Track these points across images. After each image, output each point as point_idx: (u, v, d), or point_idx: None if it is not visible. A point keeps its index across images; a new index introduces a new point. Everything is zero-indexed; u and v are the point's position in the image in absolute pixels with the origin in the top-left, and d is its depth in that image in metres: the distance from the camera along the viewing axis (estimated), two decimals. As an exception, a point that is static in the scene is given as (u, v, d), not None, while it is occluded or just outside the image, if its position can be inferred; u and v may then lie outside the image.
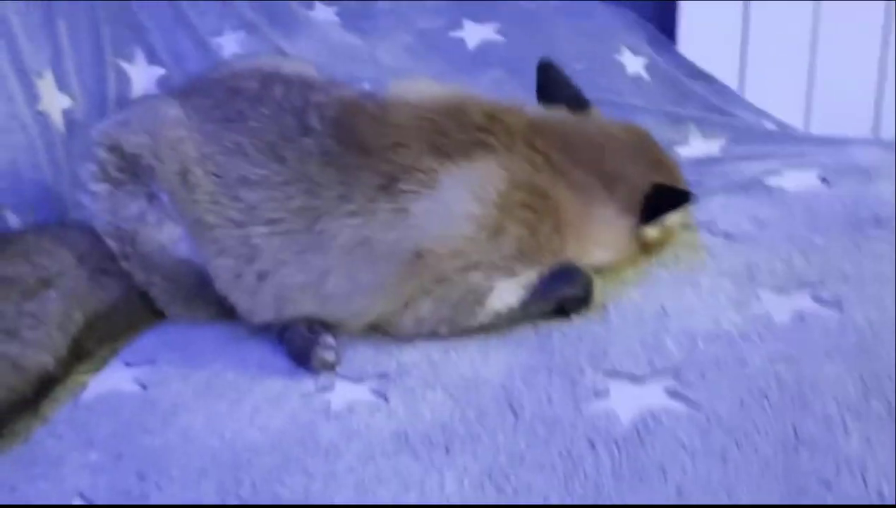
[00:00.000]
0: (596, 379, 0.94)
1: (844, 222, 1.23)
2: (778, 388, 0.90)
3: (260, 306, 1.04)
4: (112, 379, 1.02)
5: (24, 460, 0.90)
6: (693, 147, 1.58)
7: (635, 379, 0.94)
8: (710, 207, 1.30)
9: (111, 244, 1.10)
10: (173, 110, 1.11)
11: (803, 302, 1.05)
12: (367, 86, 1.42)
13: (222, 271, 1.05)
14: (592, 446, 0.85)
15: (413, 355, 1.01)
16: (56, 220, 1.33)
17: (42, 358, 0.97)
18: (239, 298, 1.05)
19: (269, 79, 1.13)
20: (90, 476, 0.86)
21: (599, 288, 1.08)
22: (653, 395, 0.91)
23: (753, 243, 1.20)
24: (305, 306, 1.02)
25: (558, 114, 1.16)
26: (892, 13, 1.71)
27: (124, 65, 1.61)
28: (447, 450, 0.86)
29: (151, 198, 1.08)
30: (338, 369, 0.99)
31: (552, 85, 1.20)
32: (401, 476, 0.83)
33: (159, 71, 1.63)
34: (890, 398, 0.88)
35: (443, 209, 1.00)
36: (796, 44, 1.76)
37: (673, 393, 0.91)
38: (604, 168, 1.09)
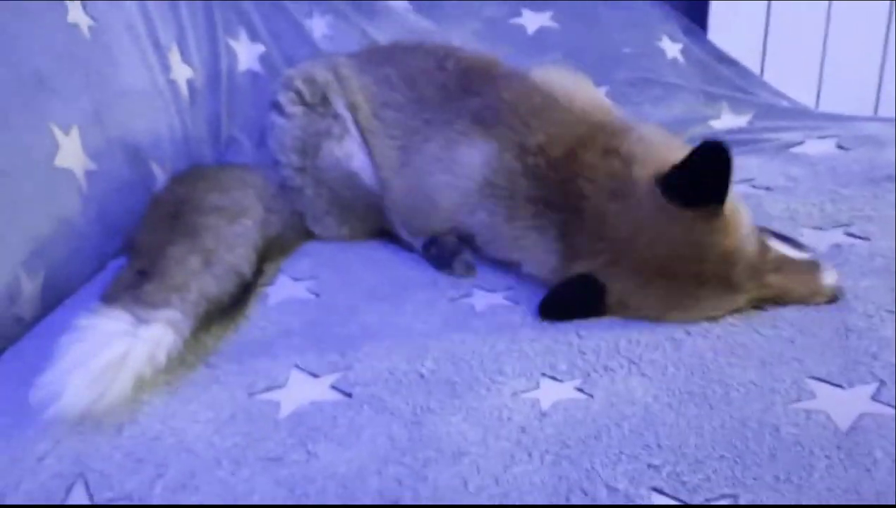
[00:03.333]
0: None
1: (863, 178, 1.49)
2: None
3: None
4: (287, 290, 1.25)
5: (241, 343, 1.13)
6: (725, 120, 1.83)
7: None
8: (749, 167, 1.56)
9: (294, 159, 1.38)
10: (344, 59, 1.46)
11: (838, 236, 1.31)
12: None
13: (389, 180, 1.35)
14: (688, 332, 1.10)
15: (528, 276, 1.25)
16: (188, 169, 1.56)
17: (245, 268, 1.20)
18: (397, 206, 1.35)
19: (428, 39, 1.47)
20: (298, 354, 1.09)
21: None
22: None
23: (790, 194, 1.45)
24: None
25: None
26: (893, 12, 1.96)
27: (232, 42, 1.83)
28: (578, 334, 1.10)
29: (336, 117, 1.38)
30: (474, 279, 1.24)
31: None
32: (551, 353, 1.07)
33: (260, 48, 1.85)
34: (915, 300, 1.13)
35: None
36: (810, 35, 1.99)
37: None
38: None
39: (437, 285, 1.24)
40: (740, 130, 1.78)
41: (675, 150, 1.12)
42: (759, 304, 1.13)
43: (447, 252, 1.27)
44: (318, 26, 1.91)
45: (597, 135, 1.19)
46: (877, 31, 1.95)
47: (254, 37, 1.86)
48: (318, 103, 1.40)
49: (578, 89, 1.33)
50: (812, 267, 1.16)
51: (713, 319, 1.11)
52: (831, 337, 1.08)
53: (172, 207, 1.30)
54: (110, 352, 0.98)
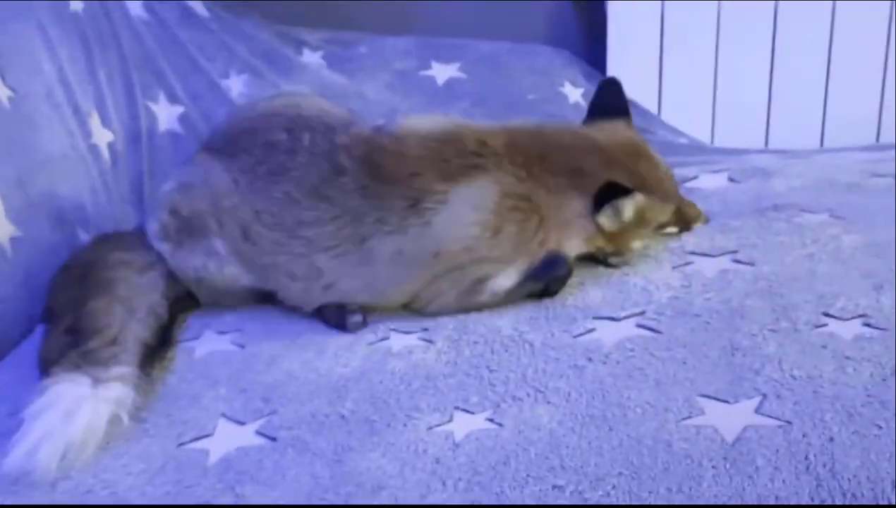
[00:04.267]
0: (585, 322, 1.28)
1: (751, 209, 1.60)
2: (717, 317, 1.26)
3: (317, 302, 1.35)
4: (212, 343, 1.30)
5: (169, 397, 1.18)
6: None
7: (615, 319, 1.28)
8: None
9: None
10: (224, 177, 1.35)
11: (726, 263, 1.42)
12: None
13: (293, 291, 1.35)
14: (590, 360, 1.19)
15: (443, 317, 1.33)
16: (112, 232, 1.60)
17: (162, 310, 1.27)
18: (303, 303, 1.36)
19: (296, 127, 1.35)
20: (225, 403, 1.15)
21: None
22: (628, 329, 1.26)
23: (684, 226, 1.57)
24: (358, 298, 1.33)
25: (531, 128, 1.42)
26: (773, 51, 2.11)
27: (151, 105, 1.89)
28: (489, 368, 1.18)
29: (209, 251, 1.36)
30: (390, 324, 1.31)
31: (607, 98, 1.47)
32: (463, 388, 1.15)
33: (179, 109, 1.92)
34: (794, 318, 1.23)
35: (455, 219, 1.29)
36: (703, 77, 2.14)
37: (641, 326, 1.26)
38: (574, 170, 1.37)
39: (357, 331, 1.30)
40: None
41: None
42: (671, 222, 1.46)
43: (337, 313, 1.33)
44: (235, 85, 1.98)
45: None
46: (762, 67, 2.09)
47: (172, 98, 1.92)
48: (185, 239, 1.36)
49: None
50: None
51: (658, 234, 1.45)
52: (719, 355, 1.17)
53: (79, 270, 1.36)
54: (81, 418, 1.06)
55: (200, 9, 2.05)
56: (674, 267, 1.41)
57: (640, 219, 1.39)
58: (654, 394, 1.10)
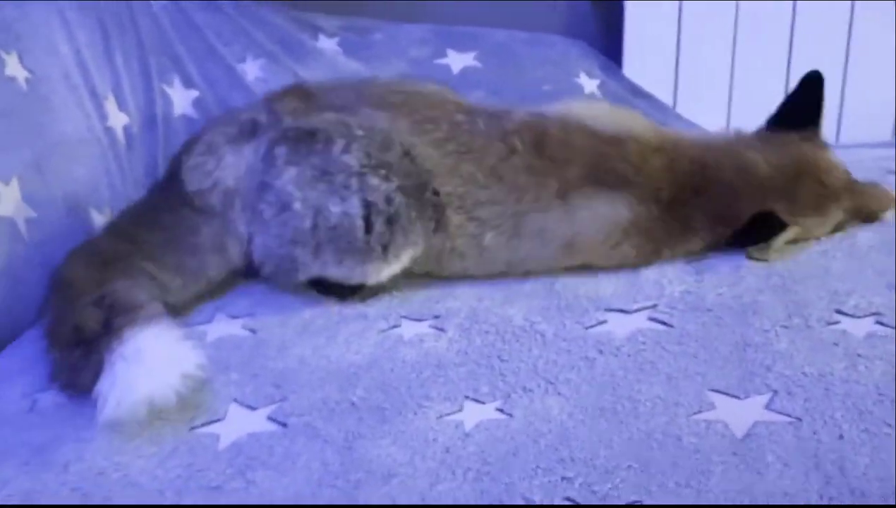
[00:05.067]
0: (597, 314, 1.28)
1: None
2: (729, 313, 1.25)
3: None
4: (224, 328, 1.31)
5: (181, 380, 1.18)
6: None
7: (626, 312, 1.28)
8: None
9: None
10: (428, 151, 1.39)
11: (739, 258, 1.41)
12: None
13: (455, 269, 1.40)
14: (601, 352, 1.19)
15: (455, 303, 1.34)
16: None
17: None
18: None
19: (469, 111, 1.44)
20: (237, 388, 1.16)
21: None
22: (639, 321, 1.26)
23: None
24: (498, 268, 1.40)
25: (697, 149, 1.44)
26: (792, 44, 2.10)
27: (167, 88, 1.89)
28: (500, 358, 1.18)
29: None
30: (401, 311, 1.31)
31: (803, 97, 1.47)
32: (474, 377, 1.15)
33: (195, 94, 1.92)
34: (806, 315, 1.23)
35: (589, 221, 1.37)
36: (719, 70, 2.13)
37: (653, 319, 1.26)
38: (723, 213, 1.39)
39: (368, 318, 1.31)
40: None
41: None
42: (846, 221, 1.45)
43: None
44: (251, 70, 1.98)
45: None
46: (779, 62, 2.08)
47: (188, 83, 1.92)
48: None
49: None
50: (875, 184, 1.51)
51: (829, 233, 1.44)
52: (731, 350, 1.17)
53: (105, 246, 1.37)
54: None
55: (220, -6, 2.06)
56: (687, 262, 1.41)
57: (795, 241, 1.41)
58: (664, 388, 1.11)
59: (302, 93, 1.47)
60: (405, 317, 1.30)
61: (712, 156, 1.43)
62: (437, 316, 1.30)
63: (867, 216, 1.48)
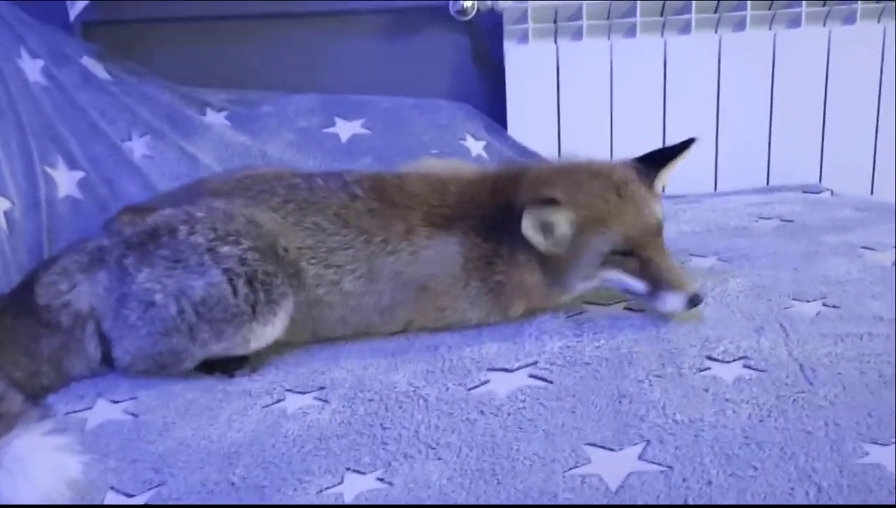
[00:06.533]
0: (479, 374, 1.30)
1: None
2: (606, 365, 1.29)
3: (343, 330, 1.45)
4: (105, 413, 1.29)
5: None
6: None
7: (508, 370, 1.30)
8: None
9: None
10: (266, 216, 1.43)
11: (618, 310, 1.45)
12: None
13: (331, 322, 1.43)
14: (482, 412, 1.20)
15: (340, 373, 1.34)
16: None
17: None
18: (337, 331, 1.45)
19: (306, 176, 1.51)
20: (114, 475, 1.14)
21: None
22: (521, 379, 1.28)
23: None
24: (374, 320, 1.45)
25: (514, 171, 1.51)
26: (663, 102, 2.19)
27: (50, 171, 1.86)
28: (382, 426, 1.19)
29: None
30: (286, 384, 1.31)
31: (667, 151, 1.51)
32: (356, 448, 1.15)
33: (80, 174, 1.90)
34: (679, 363, 1.27)
35: (434, 261, 1.42)
36: (599, 123, 2.20)
37: (534, 376, 1.28)
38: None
39: (252, 394, 1.30)
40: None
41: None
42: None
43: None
44: (138, 147, 1.97)
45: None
46: (656, 112, 2.16)
47: (72, 164, 1.90)
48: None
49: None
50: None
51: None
52: (607, 403, 1.20)
53: None
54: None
55: (101, 71, 2.04)
56: (568, 316, 1.44)
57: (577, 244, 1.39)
58: (542, 445, 1.12)
59: (134, 209, 1.53)
60: (290, 391, 1.30)
61: (505, 176, 1.50)
62: (321, 388, 1.30)
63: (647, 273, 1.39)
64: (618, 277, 1.40)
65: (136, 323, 1.35)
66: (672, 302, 1.36)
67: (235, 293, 1.34)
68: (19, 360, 1.37)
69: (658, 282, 1.37)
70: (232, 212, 1.40)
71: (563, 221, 1.37)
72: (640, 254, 1.38)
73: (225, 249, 1.35)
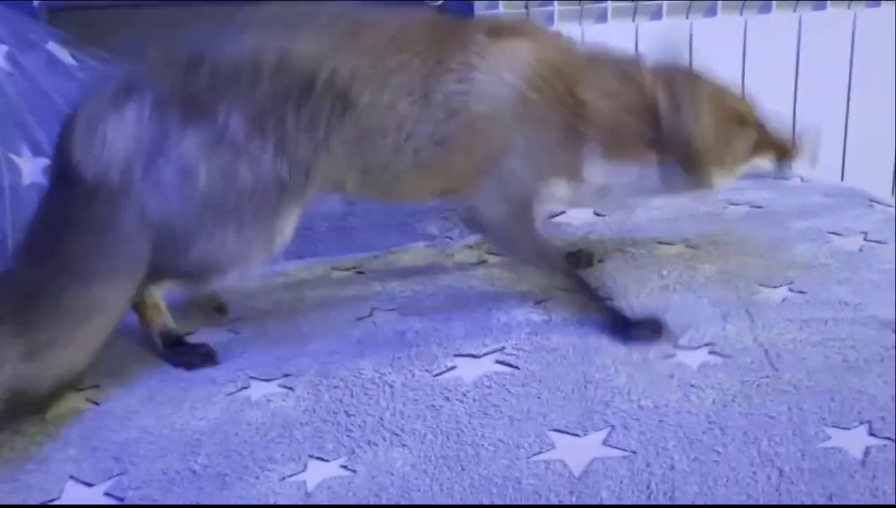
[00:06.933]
0: (446, 360, 1.30)
1: (614, 242, 1.66)
2: (573, 352, 1.28)
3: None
4: (67, 401, 1.26)
5: (16, 461, 1.14)
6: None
7: (475, 356, 1.30)
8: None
9: None
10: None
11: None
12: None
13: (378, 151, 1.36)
14: (448, 399, 1.20)
15: (306, 360, 1.33)
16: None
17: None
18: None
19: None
20: (73, 465, 1.12)
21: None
22: (487, 365, 1.27)
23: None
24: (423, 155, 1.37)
25: None
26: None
27: (14, 158, 1.84)
28: (347, 413, 1.18)
29: None
30: (250, 372, 1.30)
31: None
32: (319, 435, 1.14)
33: (45, 161, 1.87)
34: (645, 350, 1.27)
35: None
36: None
37: (501, 362, 1.28)
38: None
39: (216, 381, 1.29)
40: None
41: None
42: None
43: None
44: (104, 134, 1.94)
45: None
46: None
47: (37, 150, 1.87)
48: None
49: None
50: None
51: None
52: (572, 388, 1.20)
53: None
54: None
55: (67, 57, 2.01)
56: (536, 303, 1.44)
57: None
58: (507, 431, 1.12)
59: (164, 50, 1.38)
60: (254, 378, 1.29)
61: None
62: (286, 375, 1.29)
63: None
64: None
65: (169, 183, 1.27)
66: None
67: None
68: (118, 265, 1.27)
69: None
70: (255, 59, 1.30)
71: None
72: None
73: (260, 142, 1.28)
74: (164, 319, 1.40)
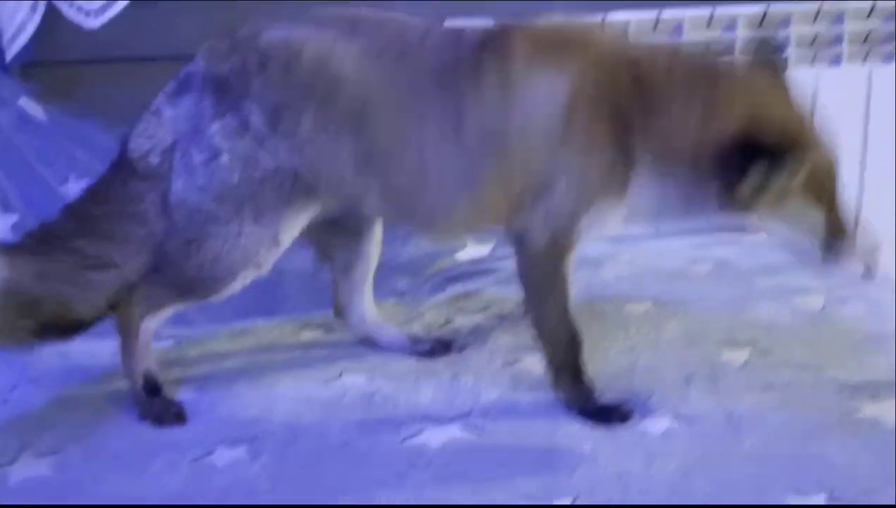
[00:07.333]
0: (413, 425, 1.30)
1: (582, 301, 1.67)
2: (540, 417, 1.29)
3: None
4: (29, 468, 1.25)
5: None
6: (469, 251, 1.96)
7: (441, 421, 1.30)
8: (487, 294, 1.72)
9: None
10: None
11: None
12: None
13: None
14: (413, 465, 1.20)
15: (273, 423, 1.32)
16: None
17: None
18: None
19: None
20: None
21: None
22: (453, 430, 1.28)
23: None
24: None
25: None
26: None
27: (-17, 214, 1.84)
28: (311, 480, 1.18)
29: None
30: (216, 435, 1.29)
31: None
32: (282, 501, 1.14)
33: (13, 218, 1.87)
34: (610, 413, 1.28)
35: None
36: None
37: (467, 427, 1.28)
38: None
39: (181, 445, 1.28)
40: (483, 259, 1.94)
41: None
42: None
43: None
44: (75, 190, 1.93)
45: None
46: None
47: (6, 207, 1.87)
48: None
49: None
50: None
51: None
52: (539, 456, 1.21)
53: None
54: None
55: (39, 113, 2.02)
56: (504, 364, 1.45)
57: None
58: (471, 499, 1.12)
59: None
60: (220, 442, 1.28)
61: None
62: (253, 438, 1.29)
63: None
64: None
65: (197, 167, 1.33)
66: None
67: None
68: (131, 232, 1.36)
69: None
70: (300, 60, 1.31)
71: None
72: None
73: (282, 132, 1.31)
74: (150, 362, 1.39)
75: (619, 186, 1.25)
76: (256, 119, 1.31)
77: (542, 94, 1.24)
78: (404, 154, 1.30)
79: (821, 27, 2.16)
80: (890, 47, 2.17)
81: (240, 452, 1.26)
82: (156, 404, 1.36)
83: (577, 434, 1.25)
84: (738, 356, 1.42)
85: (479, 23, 1.58)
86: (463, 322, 1.61)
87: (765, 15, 2.13)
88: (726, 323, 1.54)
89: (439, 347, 1.51)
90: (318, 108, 1.31)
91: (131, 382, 1.37)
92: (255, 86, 1.31)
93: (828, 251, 1.22)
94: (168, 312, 1.39)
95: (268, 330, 1.65)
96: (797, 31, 2.13)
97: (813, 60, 2.17)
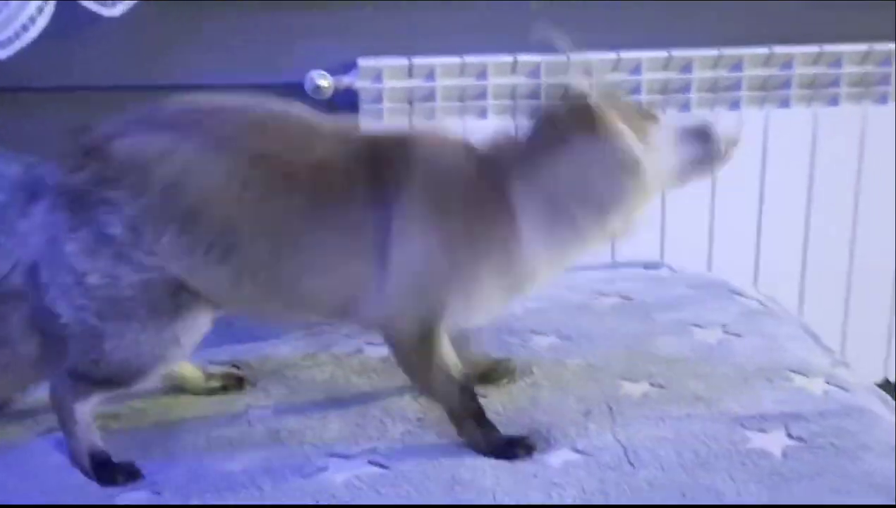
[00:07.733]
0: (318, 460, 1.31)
1: (490, 334, 1.70)
2: (444, 452, 1.32)
3: None
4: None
5: None
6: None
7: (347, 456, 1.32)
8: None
9: None
10: None
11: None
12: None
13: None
14: (317, 501, 1.21)
15: (175, 467, 1.32)
16: None
17: None
18: None
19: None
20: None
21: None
22: (359, 465, 1.29)
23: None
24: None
25: None
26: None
27: None
28: (214, 521, 1.18)
29: None
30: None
31: None
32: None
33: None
34: (512, 447, 1.32)
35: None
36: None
37: (372, 462, 1.30)
38: None
39: (85, 490, 1.27)
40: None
41: None
42: None
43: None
44: None
45: None
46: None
47: None
48: None
49: None
50: None
51: None
52: (442, 490, 1.23)
53: None
54: None
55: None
56: (414, 396, 1.47)
57: None
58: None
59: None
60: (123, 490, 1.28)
61: None
62: (154, 483, 1.28)
63: None
64: None
65: (70, 288, 1.25)
66: None
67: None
68: None
69: None
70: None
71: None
72: None
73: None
74: (94, 439, 1.34)
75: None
76: (116, 231, 1.23)
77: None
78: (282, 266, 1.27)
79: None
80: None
81: (143, 495, 1.26)
82: (109, 474, 1.32)
83: (480, 467, 1.27)
84: (637, 389, 1.47)
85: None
86: (372, 352, 1.62)
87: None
88: (627, 357, 1.58)
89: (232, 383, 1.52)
90: (180, 231, 1.24)
91: (80, 464, 1.33)
92: (112, 198, 1.23)
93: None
94: (97, 398, 1.35)
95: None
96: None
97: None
